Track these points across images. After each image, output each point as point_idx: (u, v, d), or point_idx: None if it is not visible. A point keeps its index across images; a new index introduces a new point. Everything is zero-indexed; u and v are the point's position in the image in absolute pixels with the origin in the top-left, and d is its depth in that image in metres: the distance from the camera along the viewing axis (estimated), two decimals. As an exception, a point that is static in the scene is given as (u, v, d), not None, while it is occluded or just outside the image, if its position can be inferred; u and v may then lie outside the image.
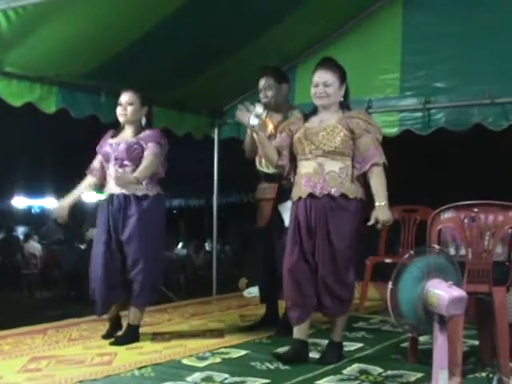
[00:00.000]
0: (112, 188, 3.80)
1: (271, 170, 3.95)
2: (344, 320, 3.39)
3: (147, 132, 3.85)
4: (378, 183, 3.24)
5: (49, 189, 19.01)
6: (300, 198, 3.32)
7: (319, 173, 3.27)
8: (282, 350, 3.50)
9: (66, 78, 4.47)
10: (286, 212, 3.65)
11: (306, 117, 3.45)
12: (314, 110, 3.43)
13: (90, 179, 3.97)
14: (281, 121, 3.88)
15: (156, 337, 3.93)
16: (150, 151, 3.76)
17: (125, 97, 3.85)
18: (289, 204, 3.56)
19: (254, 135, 3.47)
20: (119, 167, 3.78)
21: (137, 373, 3.13)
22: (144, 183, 3.74)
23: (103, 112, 4.76)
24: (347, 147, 3.27)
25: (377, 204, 3.22)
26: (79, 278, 9.57)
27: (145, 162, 3.74)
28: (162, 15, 4.18)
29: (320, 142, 3.27)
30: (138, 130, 3.87)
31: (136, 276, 3.73)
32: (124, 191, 3.75)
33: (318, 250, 3.28)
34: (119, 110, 3.86)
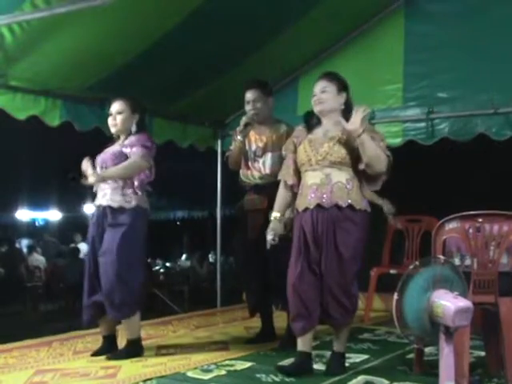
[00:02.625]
0: (97, 198, 3.73)
1: (260, 181, 3.98)
2: (348, 330, 3.40)
3: (132, 137, 3.72)
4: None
5: (52, 201, 19.04)
6: (306, 209, 3.31)
7: (326, 183, 3.26)
8: (285, 362, 3.49)
9: (69, 91, 4.50)
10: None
11: (310, 128, 3.46)
12: (317, 122, 3.44)
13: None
14: (267, 134, 3.97)
15: (160, 349, 3.92)
16: (132, 156, 3.64)
17: (114, 106, 3.77)
18: None
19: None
20: None
21: (142, 386, 3.12)
22: (122, 194, 3.63)
23: (107, 125, 4.75)
24: (353, 157, 3.28)
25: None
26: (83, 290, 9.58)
27: (120, 165, 3.62)
28: (165, 28, 4.21)
29: (326, 152, 3.28)
30: (128, 137, 3.77)
31: (104, 290, 3.62)
32: (102, 203, 3.67)
33: (324, 260, 3.27)
34: (110, 121, 3.79)
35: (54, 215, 20.74)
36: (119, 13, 3.85)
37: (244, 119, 4.01)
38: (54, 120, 4.50)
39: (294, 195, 3.44)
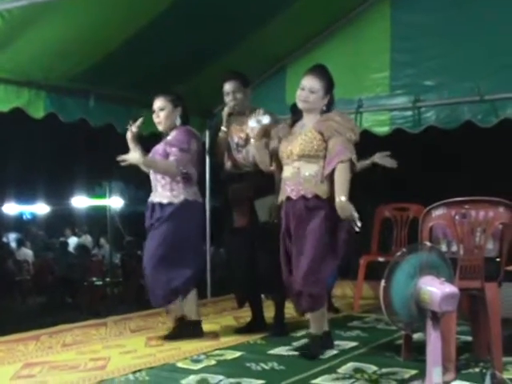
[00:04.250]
0: (152, 195, 3.89)
1: (244, 170, 4.00)
2: (322, 314, 3.49)
3: (173, 133, 3.86)
4: (339, 179, 3.28)
5: (40, 195, 18.93)
6: (282, 202, 3.47)
7: (296, 177, 3.38)
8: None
9: (53, 82, 4.45)
10: (262, 208, 3.82)
11: (294, 122, 3.54)
12: (301, 115, 3.51)
13: None
14: (247, 124, 3.98)
15: (150, 340, 3.91)
16: (171, 156, 3.78)
17: (156, 103, 3.89)
18: (265, 201, 3.77)
19: (252, 141, 3.72)
20: (153, 173, 3.88)
21: (131, 377, 3.11)
22: (169, 189, 3.80)
23: (92, 116, 4.74)
24: (321, 150, 3.35)
25: (336, 200, 3.26)
26: (72, 284, 9.55)
27: (161, 161, 3.78)
28: (149, 18, 4.18)
29: (295, 147, 3.38)
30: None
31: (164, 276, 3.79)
32: (153, 199, 3.85)
33: (292, 249, 3.40)
34: (154, 118, 3.92)
35: (41, 209, 20.63)
36: (102, 2, 3.83)
37: (226, 110, 4.04)
38: (38, 112, 4.44)
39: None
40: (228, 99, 4.05)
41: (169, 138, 3.87)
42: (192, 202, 3.86)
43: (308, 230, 3.33)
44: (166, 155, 3.80)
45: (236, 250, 4.09)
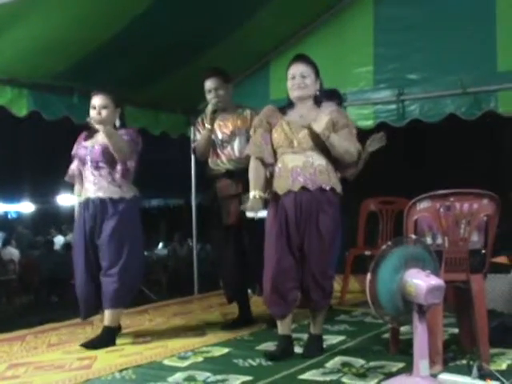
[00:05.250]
0: (88, 192, 3.78)
1: (231, 166, 3.97)
2: (325, 313, 3.44)
3: (122, 131, 3.80)
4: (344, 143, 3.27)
5: (25, 193, 18.79)
6: (289, 192, 3.28)
7: (308, 166, 3.26)
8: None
9: (36, 80, 4.40)
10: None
11: (282, 111, 3.42)
12: (289, 105, 3.41)
13: (78, 187, 3.94)
14: (231, 120, 3.99)
15: (137, 338, 3.89)
16: (126, 139, 3.75)
17: (98, 100, 3.77)
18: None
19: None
20: (94, 169, 3.76)
21: (118, 375, 3.10)
22: (118, 185, 3.75)
23: (76, 113, 4.69)
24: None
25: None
26: (58, 283, 9.49)
27: (120, 136, 3.73)
28: (132, 14, 4.14)
29: (307, 136, 3.28)
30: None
31: (112, 278, 3.69)
32: (100, 195, 3.74)
33: (307, 243, 3.28)
34: (93, 114, 3.76)
35: (26, 207, 20.49)
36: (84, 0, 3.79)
37: (210, 107, 4.02)
38: (21, 110, 4.40)
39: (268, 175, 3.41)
40: (210, 96, 4.04)
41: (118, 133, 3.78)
42: (139, 198, 3.89)
43: (325, 225, 3.25)
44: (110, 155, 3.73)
45: (225, 247, 4.08)
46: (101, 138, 3.79)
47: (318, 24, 5.18)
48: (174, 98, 5.40)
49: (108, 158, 3.74)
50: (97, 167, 3.76)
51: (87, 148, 3.80)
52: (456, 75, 4.56)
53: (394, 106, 4.91)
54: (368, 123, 5.02)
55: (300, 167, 3.27)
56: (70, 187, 4.06)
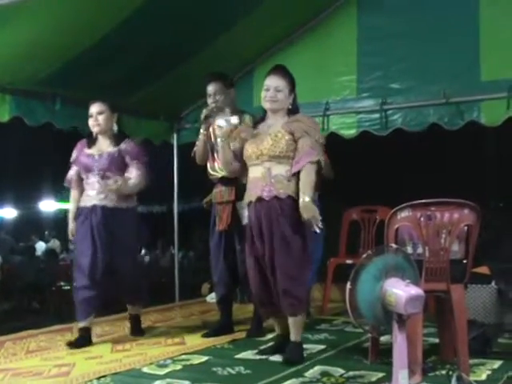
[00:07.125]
0: (93, 199, 3.89)
1: (227, 172, 3.98)
2: (302, 320, 3.44)
3: (129, 145, 3.96)
4: (305, 179, 3.28)
5: (7, 199, 18.62)
6: (250, 203, 3.40)
7: (266, 177, 3.33)
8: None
9: (19, 85, 4.37)
10: (245, 210, 3.73)
11: (256, 123, 3.54)
12: (263, 117, 3.50)
13: (75, 193, 4.07)
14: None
15: (116, 345, 3.86)
16: (139, 171, 3.93)
17: (95, 107, 3.93)
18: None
19: (219, 140, 3.64)
20: (101, 178, 3.88)
21: (96, 383, 3.06)
22: (124, 195, 3.91)
23: (58, 119, 4.69)
24: (291, 150, 3.33)
25: (300, 200, 3.25)
26: (39, 289, 9.39)
27: (136, 180, 3.91)
28: (116, 21, 4.12)
29: (265, 147, 3.34)
30: (115, 139, 3.97)
31: (131, 281, 3.99)
32: (107, 203, 3.87)
33: (269, 253, 3.32)
34: (91, 122, 3.93)
35: (8, 213, 20.29)
36: (68, 5, 3.76)
37: (204, 112, 4.02)
38: (3, 115, 4.38)
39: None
40: (209, 101, 4.06)
41: (124, 146, 3.95)
42: (137, 207, 4.09)
43: (286, 231, 3.28)
44: (124, 165, 3.92)
45: (218, 252, 4.10)
46: (105, 147, 3.94)
47: (302, 32, 5.19)
48: (157, 104, 5.38)
49: (115, 168, 3.90)
50: (104, 176, 3.88)
51: (93, 157, 3.92)
52: (439, 85, 4.58)
53: (377, 115, 4.91)
54: (351, 132, 5.03)
55: (258, 178, 3.36)
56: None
